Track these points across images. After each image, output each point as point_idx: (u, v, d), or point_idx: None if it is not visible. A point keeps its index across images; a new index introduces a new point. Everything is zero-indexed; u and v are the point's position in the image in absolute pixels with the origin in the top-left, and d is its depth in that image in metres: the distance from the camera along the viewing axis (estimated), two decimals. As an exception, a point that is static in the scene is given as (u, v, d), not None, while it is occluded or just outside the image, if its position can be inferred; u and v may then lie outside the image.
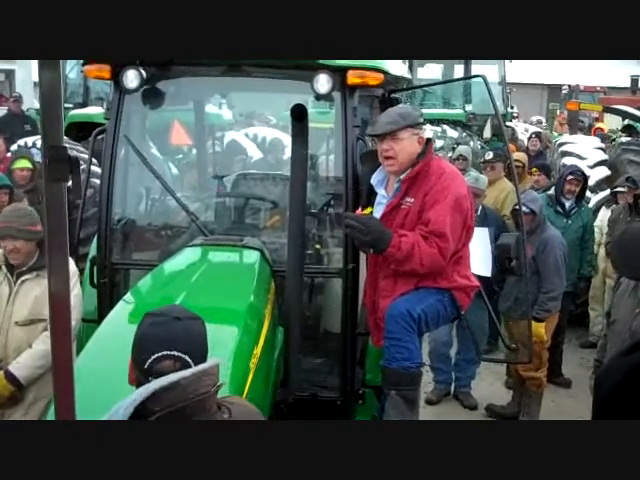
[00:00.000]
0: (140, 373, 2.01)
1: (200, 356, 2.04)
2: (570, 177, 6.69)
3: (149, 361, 2.00)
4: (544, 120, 22.78)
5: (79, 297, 3.88)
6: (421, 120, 3.70)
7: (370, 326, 3.83)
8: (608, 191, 7.79)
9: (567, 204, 6.67)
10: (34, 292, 3.81)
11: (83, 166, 5.19)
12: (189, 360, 2.01)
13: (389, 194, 3.68)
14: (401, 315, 3.51)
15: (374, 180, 3.72)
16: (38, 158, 6.35)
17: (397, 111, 3.67)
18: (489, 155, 7.59)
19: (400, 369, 3.50)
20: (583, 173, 6.94)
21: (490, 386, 6.56)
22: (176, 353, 2.00)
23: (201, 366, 1.92)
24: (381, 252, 3.53)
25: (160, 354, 1.99)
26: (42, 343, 3.74)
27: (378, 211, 3.69)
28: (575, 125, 14.99)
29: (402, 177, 3.60)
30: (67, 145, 1.29)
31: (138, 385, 1.92)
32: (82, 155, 6.27)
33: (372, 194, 3.76)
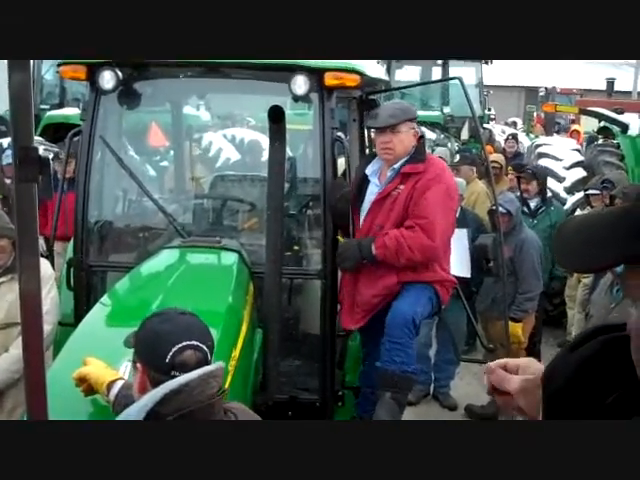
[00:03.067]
0: (158, 372, 1.93)
1: (211, 347, 2.02)
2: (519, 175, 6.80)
3: (170, 354, 1.93)
4: (520, 122, 22.96)
5: (55, 300, 3.84)
6: (416, 115, 3.96)
7: (344, 308, 3.87)
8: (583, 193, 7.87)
9: (532, 204, 6.71)
10: (10, 296, 3.77)
11: (59, 168, 5.15)
12: (206, 349, 1.99)
13: (381, 183, 3.83)
14: (406, 322, 3.63)
15: (369, 170, 3.89)
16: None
17: (397, 105, 3.98)
18: (455, 158, 7.66)
19: (399, 372, 3.61)
20: (533, 171, 6.99)
21: (469, 386, 6.59)
22: (195, 342, 1.96)
23: (207, 368, 1.91)
24: (373, 259, 3.68)
25: (181, 345, 1.94)
26: (18, 347, 3.69)
27: (368, 196, 3.85)
28: (551, 127, 15.14)
29: (396, 166, 3.78)
30: (42, 146, 1.28)
31: (155, 386, 1.89)
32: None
33: (363, 186, 3.87)
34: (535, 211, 6.69)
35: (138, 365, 2.00)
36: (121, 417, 1.83)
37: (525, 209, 6.68)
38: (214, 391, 1.86)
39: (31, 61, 1.28)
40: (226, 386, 2.63)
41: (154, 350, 1.96)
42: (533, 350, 6.45)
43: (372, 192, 3.86)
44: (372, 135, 5.45)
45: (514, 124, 20.79)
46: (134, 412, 1.78)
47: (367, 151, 5.05)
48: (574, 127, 15.61)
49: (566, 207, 7.94)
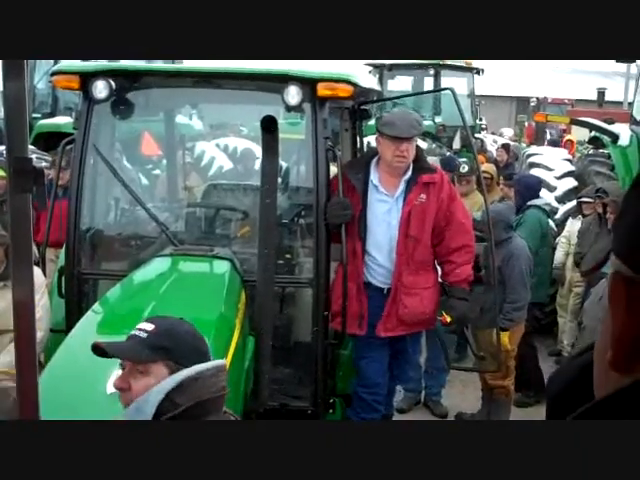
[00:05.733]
0: None
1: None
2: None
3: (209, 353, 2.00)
4: (511, 132, 23.01)
5: (47, 307, 3.84)
6: None
7: (352, 313, 3.99)
8: (575, 202, 7.89)
9: None
10: (1, 303, 3.77)
11: (51, 176, 5.15)
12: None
13: (393, 194, 4.01)
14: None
15: (376, 180, 4.03)
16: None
17: (414, 116, 4.20)
18: (464, 168, 7.63)
19: None
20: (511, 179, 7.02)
21: (460, 394, 6.60)
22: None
23: (217, 361, 1.96)
24: (469, 289, 4.22)
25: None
26: (9, 354, 3.70)
27: (377, 208, 4.01)
28: (542, 137, 15.19)
29: (409, 175, 3.98)
30: (34, 154, 1.29)
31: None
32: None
33: (365, 195, 4.01)
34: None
35: (166, 361, 1.94)
36: (139, 400, 1.83)
37: None
38: (224, 384, 1.90)
39: (25, 72, 1.29)
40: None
41: (197, 349, 1.97)
42: (522, 358, 6.46)
43: (382, 200, 4.01)
44: (365, 144, 5.49)
45: (501, 134, 20.75)
46: (152, 394, 1.78)
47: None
48: (568, 137, 15.63)
49: (557, 216, 7.97)
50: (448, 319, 4.10)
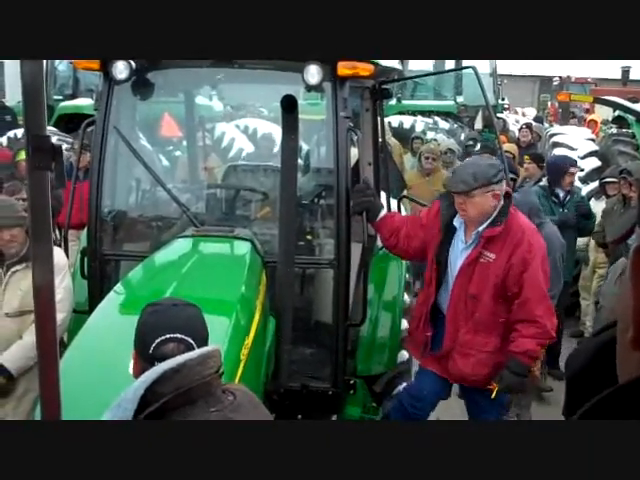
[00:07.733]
0: (145, 362, 2.03)
1: (202, 339, 2.08)
2: (573, 169, 6.65)
3: (153, 346, 2.03)
4: (534, 112, 22.76)
5: (69, 289, 3.87)
6: (497, 178, 3.72)
7: (418, 341, 3.99)
8: (598, 182, 7.79)
9: (561, 194, 6.61)
10: (24, 283, 3.80)
11: (72, 157, 5.18)
12: (192, 342, 2.05)
13: (467, 241, 3.83)
14: None
15: (457, 222, 3.87)
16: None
17: (472, 170, 3.72)
18: (477, 147, 7.57)
19: None
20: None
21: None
22: (179, 335, 2.04)
23: (205, 348, 1.96)
24: (528, 367, 3.80)
25: (163, 337, 2.03)
26: (32, 334, 3.73)
27: (457, 247, 3.85)
28: (566, 116, 15.01)
29: (480, 230, 3.73)
30: (55, 136, 1.29)
31: (141, 372, 1.93)
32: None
33: (448, 232, 3.88)
34: (564, 200, 6.57)
35: (133, 351, 2.12)
36: (121, 396, 1.84)
37: (555, 199, 6.57)
38: (212, 371, 1.90)
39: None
40: (238, 374, 2.65)
41: (140, 342, 2.08)
42: (553, 347, 6.42)
43: (458, 247, 3.86)
44: (386, 124, 5.45)
45: (523, 114, 20.52)
46: (131, 390, 1.79)
47: (380, 141, 5.05)
48: (591, 117, 15.42)
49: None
50: (494, 387, 3.76)
